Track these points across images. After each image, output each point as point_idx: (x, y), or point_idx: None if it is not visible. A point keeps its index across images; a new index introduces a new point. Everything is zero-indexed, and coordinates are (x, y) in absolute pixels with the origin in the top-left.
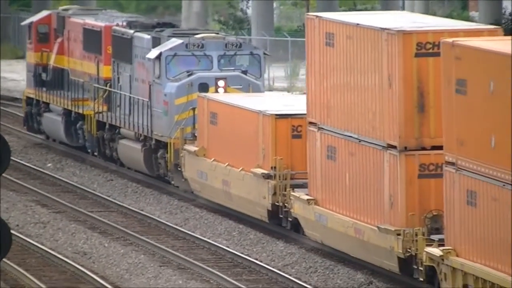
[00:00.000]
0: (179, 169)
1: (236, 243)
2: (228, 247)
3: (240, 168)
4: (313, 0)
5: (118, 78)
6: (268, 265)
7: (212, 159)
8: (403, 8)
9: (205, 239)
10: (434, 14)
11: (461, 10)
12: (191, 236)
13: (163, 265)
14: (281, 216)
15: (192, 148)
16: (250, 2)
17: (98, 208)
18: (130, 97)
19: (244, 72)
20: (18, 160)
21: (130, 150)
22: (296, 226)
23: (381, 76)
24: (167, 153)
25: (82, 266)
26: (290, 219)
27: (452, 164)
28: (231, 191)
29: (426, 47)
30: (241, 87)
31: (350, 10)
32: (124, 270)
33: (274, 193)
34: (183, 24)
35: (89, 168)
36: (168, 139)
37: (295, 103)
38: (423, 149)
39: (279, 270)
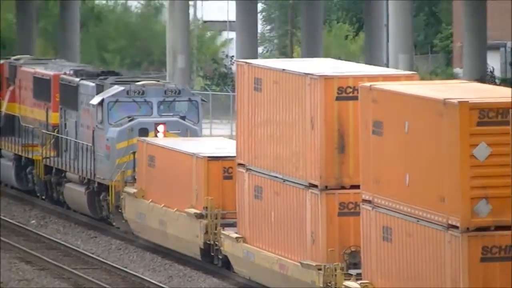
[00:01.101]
0: (120, 210)
1: None
2: None
3: (175, 209)
4: (298, 48)
5: (65, 124)
6: None
7: (150, 200)
8: (387, 64)
9: None
10: (417, 70)
11: (445, 67)
12: None
13: None
14: (212, 254)
15: (131, 190)
16: (234, 58)
17: (82, 265)
18: (75, 142)
19: (183, 118)
20: (2, 217)
21: (75, 193)
22: (226, 263)
23: (304, 118)
24: (108, 195)
25: None
26: (221, 257)
27: (369, 202)
28: (167, 230)
29: (346, 91)
30: (179, 131)
31: None
32: None
33: (206, 232)
34: (168, 79)
35: (73, 225)
36: (109, 182)
37: (228, 147)
38: (343, 188)
39: None
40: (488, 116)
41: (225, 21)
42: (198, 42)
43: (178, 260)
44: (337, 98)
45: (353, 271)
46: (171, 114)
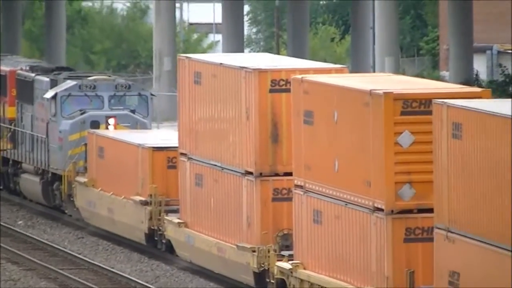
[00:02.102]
0: (72, 199)
1: None
2: None
3: (122, 197)
4: (284, 50)
5: (22, 117)
6: None
7: (99, 189)
8: (373, 68)
9: None
10: (404, 73)
11: (431, 69)
12: None
13: None
14: (156, 238)
15: (82, 179)
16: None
17: (69, 265)
18: (31, 134)
19: (133, 111)
20: None
21: (30, 183)
22: (169, 247)
23: (240, 110)
24: (61, 185)
25: None
26: (164, 241)
27: (301, 187)
28: (115, 217)
29: (279, 84)
30: (129, 125)
31: None
32: None
33: (150, 218)
34: (154, 83)
35: (60, 226)
36: (62, 172)
37: (174, 138)
38: (277, 175)
39: None
40: (412, 106)
41: (211, 24)
42: (184, 45)
43: (165, 260)
44: (271, 91)
45: (285, 253)
46: (122, 108)
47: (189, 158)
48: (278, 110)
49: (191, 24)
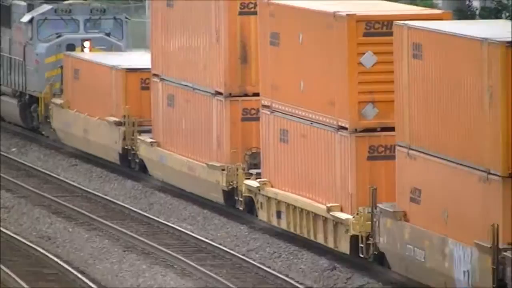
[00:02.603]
0: (49, 120)
1: (200, 228)
2: (192, 232)
3: (97, 117)
4: None
5: (0, 41)
6: (232, 250)
7: (75, 110)
8: None
9: (169, 224)
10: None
11: None
12: (155, 221)
13: (127, 250)
14: (130, 158)
15: (58, 101)
16: None
17: (63, 193)
18: (8, 57)
19: (108, 34)
20: None
21: (8, 105)
22: (143, 167)
23: (210, 32)
24: (38, 106)
25: (46, 250)
26: (137, 161)
27: (268, 107)
28: (90, 137)
29: (248, 7)
30: (105, 47)
31: None
32: (88, 255)
33: (124, 138)
34: (147, 10)
35: (53, 153)
36: (39, 94)
37: (148, 60)
38: (246, 95)
39: (243, 255)
40: (374, 27)
41: None
42: None
43: (159, 188)
44: (240, 13)
45: (253, 171)
46: (97, 31)
47: (162, 79)
48: (247, 32)
49: None
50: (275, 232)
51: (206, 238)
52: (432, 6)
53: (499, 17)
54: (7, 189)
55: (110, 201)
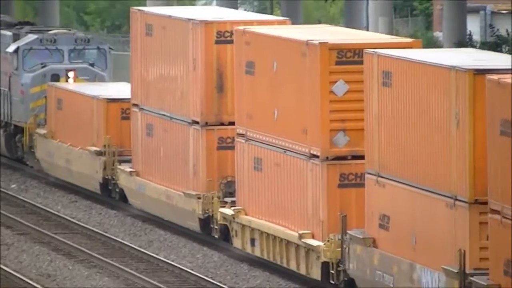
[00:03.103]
0: (33, 150)
1: (200, 266)
2: (192, 269)
3: (79, 147)
4: (278, 10)
5: None
6: None
7: (58, 140)
8: (367, 28)
9: (169, 261)
10: (398, 33)
11: (425, 30)
12: (155, 259)
13: (127, 287)
14: (110, 187)
15: (42, 131)
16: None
17: (62, 230)
18: None
19: (92, 65)
20: None
21: None
22: (123, 196)
23: (187, 61)
24: (23, 136)
25: None
26: (117, 190)
27: (242, 135)
28: (72, 167)
29: (224, 35)
30: (88, 77)
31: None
32: None
33: (105, 168)
34: None
35: (53, 190)
36: (24, 124)
37: (129, 90)
38: (222, 124)
39: None
40: (346, 56)
41: None
42: (178, 4)
43: (159, 224)
44: (216, 42)
45: (228, 199)
46: (81, 61)
47: (141, 109)
48: (223, 61)
49: None
50: (274, 268)
51: (206, 276)
52: (432, 39)
53: (500, 51)
54: (7, 226)
55: (110, 238)
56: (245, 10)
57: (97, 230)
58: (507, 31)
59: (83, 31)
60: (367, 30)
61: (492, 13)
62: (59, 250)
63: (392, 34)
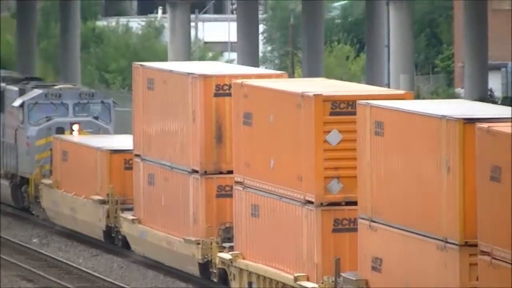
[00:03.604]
0: (38, 200)
1: None
2: None
3: (83, 196)
4: (299, 68)
5: None
6: None
7: (63, 190)
8: (388, 85)
9: None
10: (418, 90)
11: (446, 87)
12: None
13: None
14: (113, 235)
15: (48, 181)
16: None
17: (84, 283)
18: (2, 141)
19: (96, 118)
20: (4, 236)
21: (1, 186)
22: (125, 243)
23: (187, 113)
24: (29, 187)
25: None
26: (120, 237)
27: (241, 183)
28: (77, 216)
29: (223, 88)
30: (92, 130)
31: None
32: None
33: (108, 216)
34: None
35: (75, 243)
36: (30, 175)
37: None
38: (221, 173)
39: None
40: (340, 107)
41: (226, 42)
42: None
43: (180, 277)
44: (215, 95)
45: (226, 244)
46: (85, 114)
47: (143, 159)
48: (222, 113)
49: (206, 42)
50: None
51: None
52: (454, 95)
53: None
54: (28, 280)
55: None
56: (266, 68)
57: (118, 284)
58: None
59: (104, 89)
60: (389, 87)
61: None
62: None
63: (413, 91)
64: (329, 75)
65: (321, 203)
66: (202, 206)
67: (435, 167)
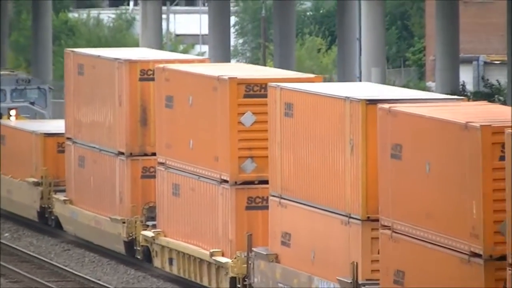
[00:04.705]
0: None
1: None
2: None
3: (19, 179)
4: (271, 61)
5: None
6: None
7: (1, 172)
8: (359, 78)
9: None
10: (390, 83)
11: (418, 80)
12: None
13: None
14: (46, 216)
15: None
16: None
17: (55, 278)
18: None
19: (32, 103)
20: None
21: None
22: (58, 223)
23: (114, 98)
24: None
25: None
26: (53, 218)
27: (163, 164)
28: (13, 198)
29: (148, 73)
30: (29, 115)
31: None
32: None
33: (42, 197)
34: None
35: (46, 238)
36: None
37: None
38: (145, 155)
39: None
40: (253, 89)
41: (198, 35)
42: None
43: (152, 273)
44: (140, 79)
45: (150, 223)
46: (22, 100)
47: (74, 142)
48: (147, 97)
49: (177, 35)
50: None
51: None
52: (425, 89)
53: (492, 101)
54: (0, 274)
55: (103, 286)
56: (238, 60)
57: (90, 278)
58: (497, 81)
59: None
60: (360, 80)
61: (485, 63)
62: None
63: (384, 84)
64: (300, 68)
65: (236, 182)
66: (128, 186)
67: (340, 146)
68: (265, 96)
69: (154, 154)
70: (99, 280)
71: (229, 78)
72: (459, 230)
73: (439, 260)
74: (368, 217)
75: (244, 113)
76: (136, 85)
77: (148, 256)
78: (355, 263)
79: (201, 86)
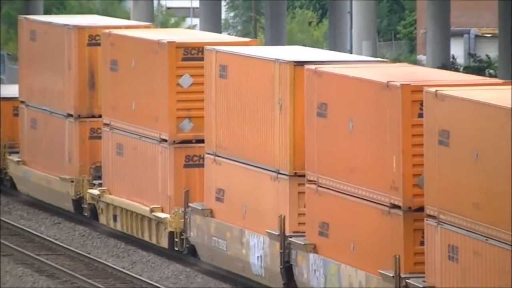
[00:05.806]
0: None
1: (183, 287)
2: None
3: None
4: (261, 34)
5: None
6: None
7: None
8: (350, 51)
9: (152, 282)
10: (383, 57)
11: (408, 54)
12: (138, 280)
13: None
14: (1, 177)
15: None
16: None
17: (46, 251)
18: None
19: None
20: None
21: None
22: (13, 185)
23: (63, 62)
24: None
25: None
26: (8, 178)
27: (108, 125)
28: None
29: (95, 39)
30: None
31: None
32: None
33: None
34: None
35: (37, 211)
36: None
37: None
38: (93, 116)
39: None
40: (191, 53)
41: (189, 8)
42: (162, 27)
43: (142, 246)
44: (88, 44)
45: (96, 182)
46: None
47: (27, 105)
48: (94, 61)
49: (168, 8)
50: None
51: None
52: (416, 62)
53: (483, 75)
54: None
55: (93, 259)
56: (229, 34)
57: (80, 252)
58: (487, 55)
59: None
60: (351, 53)
61: (476, 36)
62: (42, 271)
63: (375, 57)
64: (291, 41)
65: (174, 141)
66: (76, 147)
67: (269, 106)
68: (202, 59)
69: (101, 116)
70: (89, 253)
71: (168, 42)
72: (380, 183)
73: (361, 212)
74: (295, 172)
75: (182, 76)
76: (84, 50)
77: (95, 213)
78: (283, 217)
79: (142, 50)
